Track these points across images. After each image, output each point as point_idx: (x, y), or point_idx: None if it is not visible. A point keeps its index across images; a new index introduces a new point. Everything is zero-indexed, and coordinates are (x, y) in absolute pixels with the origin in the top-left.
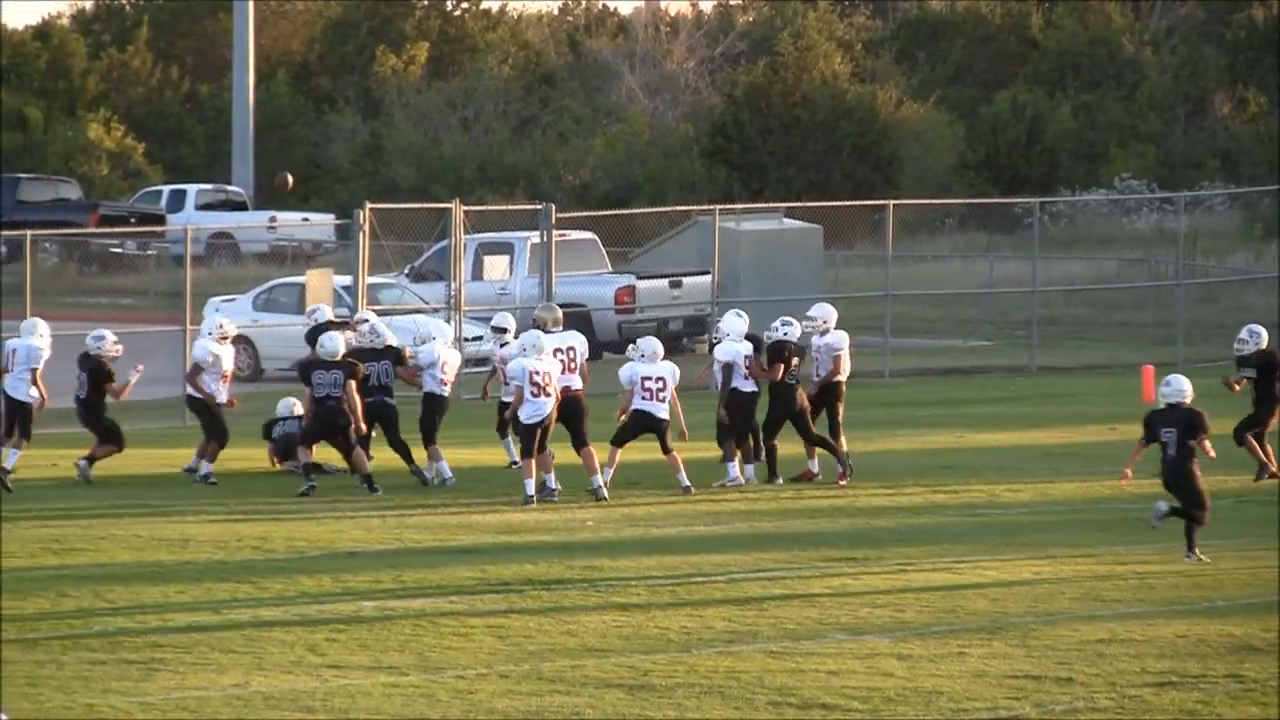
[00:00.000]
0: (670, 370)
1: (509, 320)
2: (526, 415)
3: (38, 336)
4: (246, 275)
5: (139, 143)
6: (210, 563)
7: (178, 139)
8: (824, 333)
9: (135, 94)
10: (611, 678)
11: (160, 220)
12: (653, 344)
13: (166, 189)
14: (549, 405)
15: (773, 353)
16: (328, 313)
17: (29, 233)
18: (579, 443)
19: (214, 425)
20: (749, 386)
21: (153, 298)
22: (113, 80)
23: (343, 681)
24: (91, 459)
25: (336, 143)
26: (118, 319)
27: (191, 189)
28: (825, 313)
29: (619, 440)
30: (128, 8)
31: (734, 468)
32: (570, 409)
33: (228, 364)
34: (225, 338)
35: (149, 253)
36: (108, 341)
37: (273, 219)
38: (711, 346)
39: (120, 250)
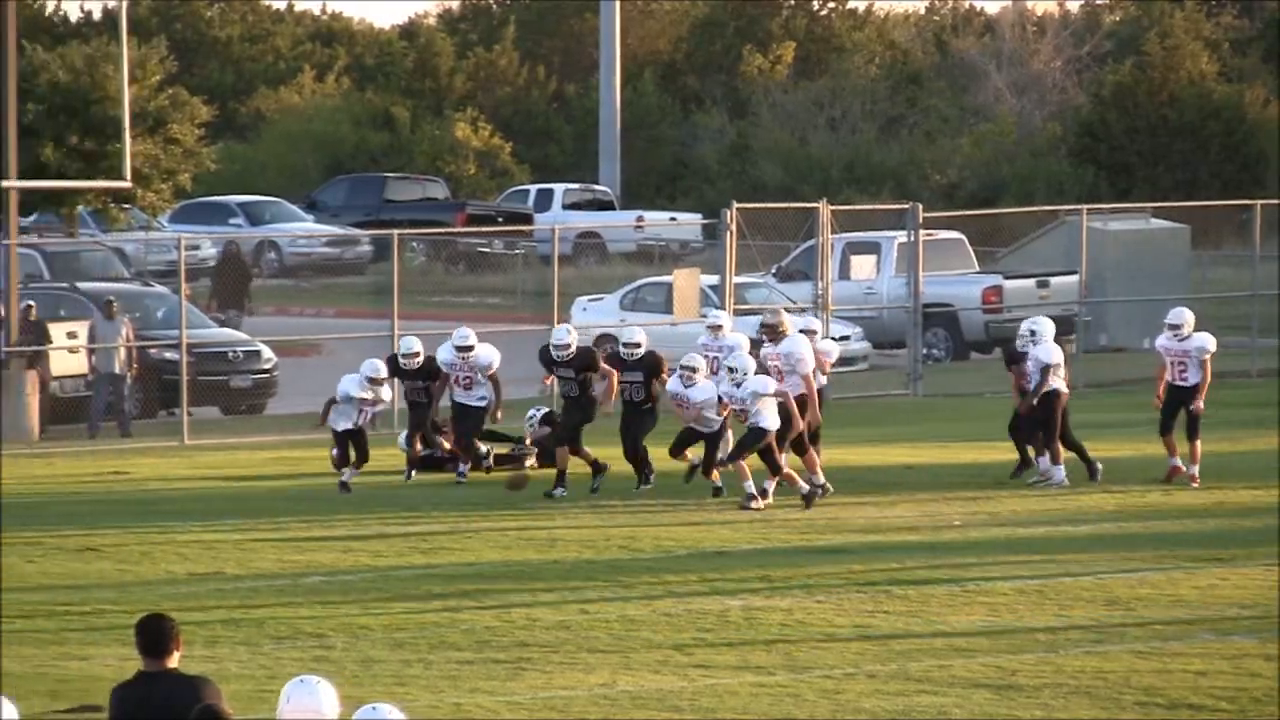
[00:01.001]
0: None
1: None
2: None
3: (359, 384)
4: (614, 275)
5: (506, 142)
6: (578, 562)
7: (544, 138)
8: (1184, 338)
9: (502, 93)
10: (979, 677)
11: (527, 219)
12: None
13: (534, 188)
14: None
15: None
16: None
17: (396, 232)
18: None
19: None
20: (1064, 387)
21: (520, 297)
22: (479, 80)
23: (710, 681)
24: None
25: (703, 142)
26: (485, 318)
27: (559, 188)
28: (1187, 318)
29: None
30: (494, 7)
31: (1060, 470)
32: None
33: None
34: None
35: (516, 252)
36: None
37: (640, 218)
38: (1013, 353)
39: (487, 249)
